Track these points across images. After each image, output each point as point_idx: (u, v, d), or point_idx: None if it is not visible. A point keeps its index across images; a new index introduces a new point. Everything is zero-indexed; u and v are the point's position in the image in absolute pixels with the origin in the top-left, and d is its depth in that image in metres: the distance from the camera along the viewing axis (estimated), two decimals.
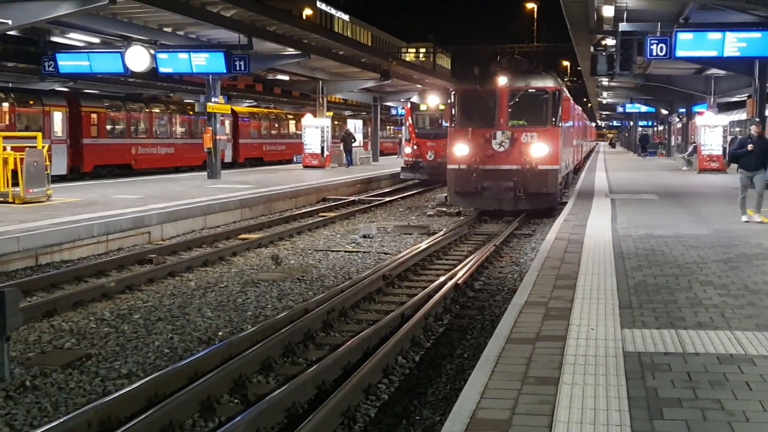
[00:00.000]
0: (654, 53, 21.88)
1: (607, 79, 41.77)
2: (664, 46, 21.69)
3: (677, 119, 54.21)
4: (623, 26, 23.47)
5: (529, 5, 73.75)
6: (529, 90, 20.01)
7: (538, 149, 19.60)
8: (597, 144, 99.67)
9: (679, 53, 21.57)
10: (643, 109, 63.35)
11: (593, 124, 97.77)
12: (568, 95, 22.85)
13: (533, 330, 6.92)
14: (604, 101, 69.30)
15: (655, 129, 77.57)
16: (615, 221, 15.21)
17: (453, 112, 20.53)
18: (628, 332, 6.75)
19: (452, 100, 20.72)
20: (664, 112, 57.28)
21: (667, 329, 6.86)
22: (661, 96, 47.53)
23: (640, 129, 77.86)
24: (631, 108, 66.22)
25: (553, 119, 20.01)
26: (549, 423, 4.64)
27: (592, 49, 30.31)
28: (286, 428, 6.40)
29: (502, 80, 19.84)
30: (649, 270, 9.84)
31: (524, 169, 19.55)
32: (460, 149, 19.98)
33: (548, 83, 20.33)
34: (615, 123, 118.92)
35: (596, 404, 4.93)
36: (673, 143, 57.26)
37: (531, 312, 7.63)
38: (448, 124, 21.31)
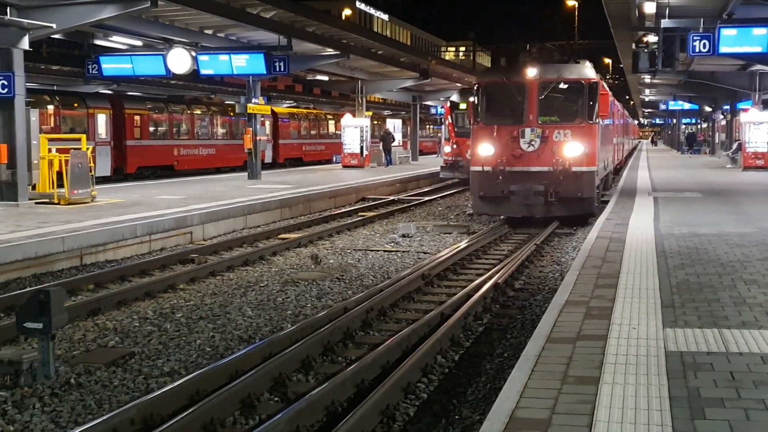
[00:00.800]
0: (697, 50, 21.58)
1: (649, 77, 41.25)
2: (707, 42, 21.38)
3: (721, 116, 53.38)
4: (665, 23, 23.18)
5: (570, 2, 73.11)
6: (562, 82, 18.07)
7: (572, 149, 17.66)
8: (640, 142, 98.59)
9: (723, 49, 21.26)
10: (687, 106, 62.54)
11: (636, 122, 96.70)
12: (607, 88, 20.13)
13: (574, 329, 6.86)
14: (647, 99, 68.50)
15: (699, 126, 76.45)
16: (657, 220, 15.02)
17: (476, 108, 18.53)
18: (670, 331, 6.67)
19: (475, 94, 18.67)
20: (708, 109, 56.41)
21: (710, 328, 6.76)
22: (705, 93, 46.82)
23: (683, 126, 76.78)
24: (674, 105, 65.39)
25: (590, 115, 18.01)
26: (589, 423, 4.60)
27: (633, 46, 29.98)
28: (325, 426, 6.43)
29: (531, 71, 17.85)
30: (692, 269, 9.71)
31: (556, 171, 17.62)
32: (485, 149, 18.07)
33: (583, 74, 18.29)
34: (658, 120, 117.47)
35: (637, 404, 4.87)
36: (717, 141, 56.39)
37: (572, 311, 7.56)
38: (471, 122, 19.37)
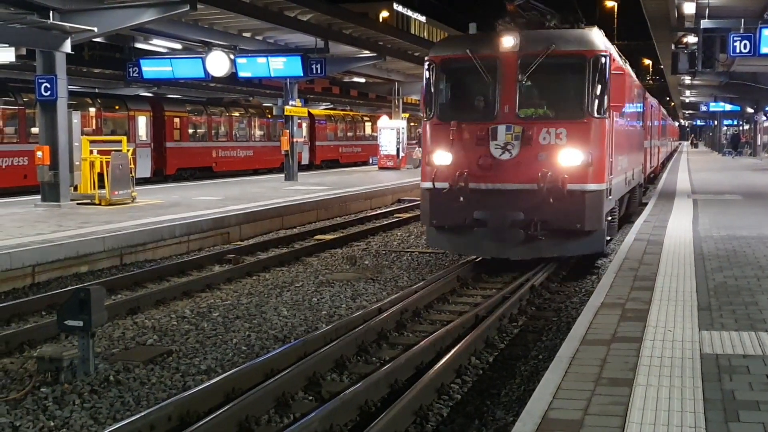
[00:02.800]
0: (737, 50, 21.29)
1: (689, 78, 40.80)
2: (748, 42, 21.10)
3: (764, 118, 52.55)
4: (705, 23, 22.92)
5: (609, 3, 72.57)
6: (553, 55, 11.83)
7: (567, 156, 11.69)
8: (680, 144, 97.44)
9: (764, 50, 20.96)
10: (728, 107, 61.62)
11: (676, 123, 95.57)
12: (625, 65, 15.28)
13: (609, 331, 6.83)
14: (687, 100, 67.69)
15: (741, 128, 75.36)
16: (696, 222, 14.86)
17: (428, 96, 12.48)
18: (706, 334, 6.61)
19: (428, 74, 12.43)
20: (750, 110, 55.60)
21: (746, 331, 6.70)
22: (747, 94, 46.15)
23: (724, 128, 75.75)
24: (714, 106, 64.48)
25: (596, 105, 11.86)
26: (621, 424, 4.59)
27: (673, 46, 29.67)
28: (359, 425, 6.47)
29: (507, 41, 11.98)
30: (730, 271, 9.60)
31: (544, 189, 11.57)
32: (440, 157, 12.18)
33: (586, 43, 12.11)
34: (698, 122, 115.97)
35: (670, 406, 4.85)
36: (759, 142, 55.53)
37: (607, 313, 7.53)
38: (422, 115, 13.13)
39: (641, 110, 20.58)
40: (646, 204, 19.48)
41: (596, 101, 11.87)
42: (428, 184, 12.29)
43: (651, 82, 78.05)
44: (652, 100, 28.12)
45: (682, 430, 4.47)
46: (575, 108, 12.09)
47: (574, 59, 11.98)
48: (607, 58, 11.95)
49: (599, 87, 11.87)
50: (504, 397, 7.30)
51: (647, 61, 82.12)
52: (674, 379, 5.40)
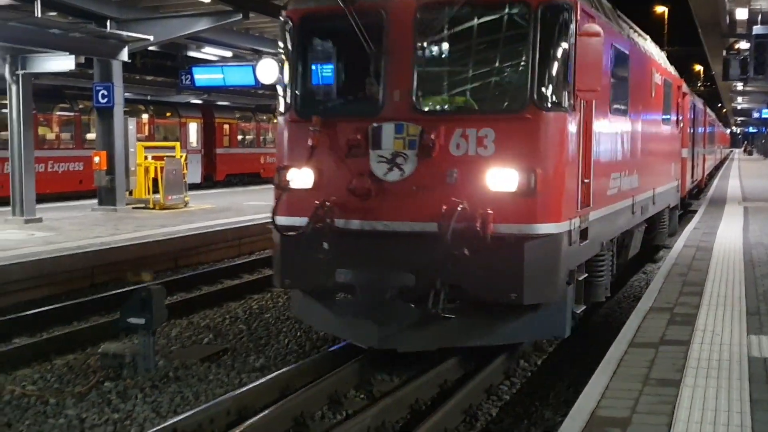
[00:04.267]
0: None
1: (741, 84, 40.27)
2: None
3: None
4: (757, 29, 22.65)
5: (660, 9, 71.87)
6: (474, 5, 7.57)
7: (496, 177, 7.19)
8: (731, 152, 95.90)
9: None
10: None
11: (727, 130, 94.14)
12: (625, 32, 10.27)
13: (657, 334, 6.93)
14: (739, 106, 66.70)
15: None
16: (747, 229, 14.76)
17: (284, 75, 8.08)
18: (754, 338, 6.67)
19: (284, 41, 8.10)
20: None
21: None
22: None
23: None
24: (767, 113, 63.42)
25: (549, 88, 7.32)
26: (669, 422, 4.70)
27: (724, 52, 29.36)
28: (410, 423, 6.64)
29: None
30: None
31: (450, 233, 7.02)
32: (297, 175, 7.74)
33: None
34: (751, 129, 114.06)
35: (717, 405, 4.95)
36: None
37: (655, 317, 7.61)
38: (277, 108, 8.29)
39: (674, 109, 15.23)
40: (695, 211, 19.34)
41: (550, 82, 7.24)
42: (284, 219, 7.75)
43: (702, 88, 77.01)
44: (696, 100, 23.86)
45: (729, 428, 4.57)
46: (510, 94, 7.58)
47: (509, 10, 7.45)
48: (571, 9, 7.38)
49: (555, 58, 7.27)
50: (552, 399, 7.41)
51: (698, 67, 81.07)
52: (721, 380, 5.48)
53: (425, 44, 7.58)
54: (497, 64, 7.73)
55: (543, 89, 7.21)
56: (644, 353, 6.29)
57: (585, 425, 4.73)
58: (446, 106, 7.70)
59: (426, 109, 7.47)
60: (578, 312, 8.19)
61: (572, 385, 7.73)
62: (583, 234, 7.88)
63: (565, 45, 7.31)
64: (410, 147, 7.26)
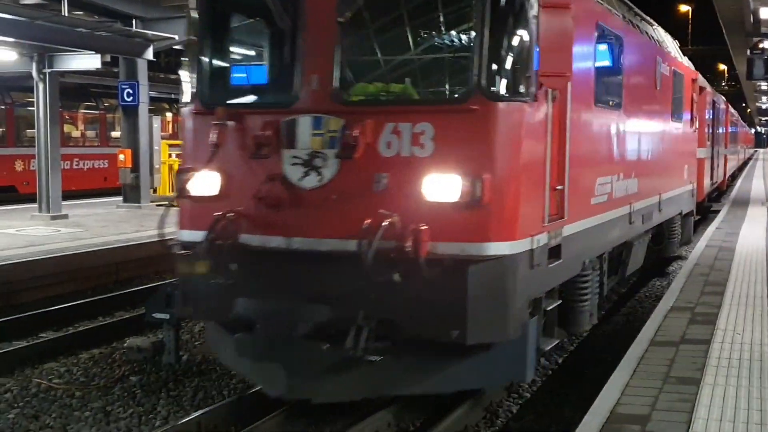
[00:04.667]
0: None
1: (765, 84, 39.96)
2: None
3: None
4: None
5: (684, 8, 71.46)
6: None
7: (434, 183, 5.74)
8: (755, 152, 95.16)
9: None
10: None
11: (752, 130, 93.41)
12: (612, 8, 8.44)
13: (677, 334, 6.95)
14: (763, 106, 66.17)
15: None
16: None
17: (190, 60, 6.74)
18: None
19: (190, 16, 6.71)
20: None
21: None
22: None
23: None
24: None
25: (500, 73, 5.85)
26: (688, 419, 4.73)
27: (748, 52, 29.15)
28: (430, 420, 6.69)
29: None
30: None
31: (372, 254, 5.56)
32: (199, 179, 6.38)
33: None
34: None
35: (737, 404, 4.98)
36: None
37: (676, 317, 7.63)
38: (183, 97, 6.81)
39: (687, 104, 13.61)
40: (717, 212, 19.24)
41: (503, 65, 5.86)
42: (183, 234, 6.61)
43: (726, 87, 76.50)
44: (716, 97, 22.76)
45: (748, 426, 4.60)
46: (453, 80, 6.34)
47: None
48: None
49: (510, 34, 5.88)
50: (573, 397, 7.44)
51: (722, 66, 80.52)
52: (741, 379, 5.50)
53: (350, 17, 6.07)
54: (438, 42, 6.43)
55: (494, 73, 5.77)
56: (665, 352, 6.32)
57: (605, 422, 4.78)
58: (375, 95, 6.19)
59: (350, 98, 6.09)
60: (547, 349, 6.73)
61: (592, 383, 7.77)
62: (554, 252, 6.42)
63: (523, 19, 5.86)
64: (331, 146, 5.89)
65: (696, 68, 16.02)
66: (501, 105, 5.70)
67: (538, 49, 5.88)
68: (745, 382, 5.43)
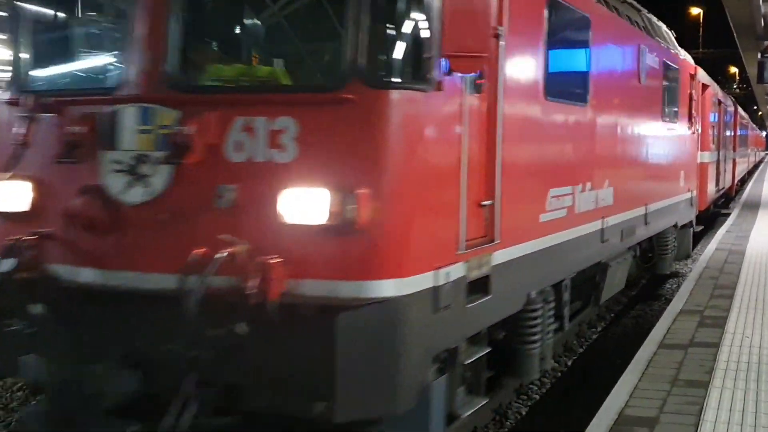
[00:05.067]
0: None
1: None
2: None
3: None
4: None
5: (695, 11, 71.34)
6: None
7: (297, 199, 4.25)
8: (767, 154, 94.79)
9: None
10: None
11: (763, 133, 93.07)
12: None
13: (686, 337, 6.98)
14: None
15: None
16: None
17: (8, 39, 5.33)
18: None
19: None
20: None
21: None
22: None
23: None
24: None
25: (395, 49, 4.38)
26: (696, 422, 4.78)
27: (759, 55, 29.13)
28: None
29: None
30: None
31: (209, 298, 4.12)
32: (3, 193, 4.87)
33: None
34: None
35: (745, 407, 5.01)
36: None
37: (685, 320, 7.66)
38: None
39: (684, 102, 12.13)
40: (728, 215, 19.22)
41: (390, 42, 4.49)
42: None
43: (738, 90, 76.30)
44: (723, 96, 21.17)
45: (756, 429, 4.64)
46: (323, 61, 5.09)
47: None
48: None
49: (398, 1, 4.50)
50: (582, 399, 7.48)
51: (734, 70, 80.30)
52: (750, 382, 5.54)
53: None
54: (304, 13, 4.92)
55: (377, 53, 4.42)
56: (673, 355, 6.36)
57: (613, 424, 4.83)
58: (234, 80, 4.77)
59: (188, 82, 4.69)
60: (466, 414, 5.26)
61: (601, 385, 7.81)
62: (479, 287, 5.03)
63: None
64: (163, 147, 4.40)
65: (707, 71, 14.96)
66: (387, 94, 4.26)
67: (441, 22, 4.39)
68: (754, 385, 5.46)
